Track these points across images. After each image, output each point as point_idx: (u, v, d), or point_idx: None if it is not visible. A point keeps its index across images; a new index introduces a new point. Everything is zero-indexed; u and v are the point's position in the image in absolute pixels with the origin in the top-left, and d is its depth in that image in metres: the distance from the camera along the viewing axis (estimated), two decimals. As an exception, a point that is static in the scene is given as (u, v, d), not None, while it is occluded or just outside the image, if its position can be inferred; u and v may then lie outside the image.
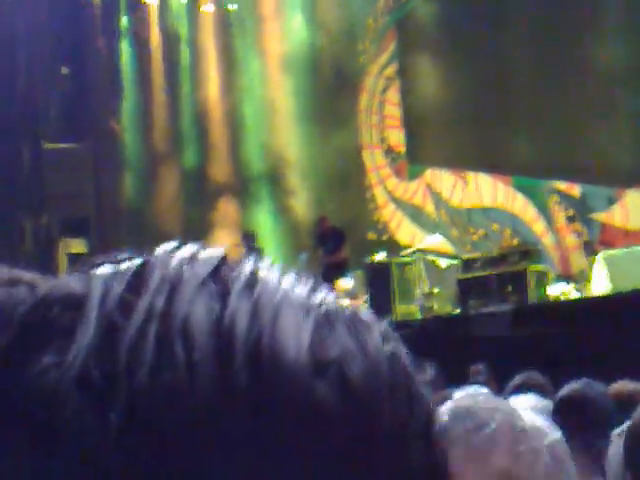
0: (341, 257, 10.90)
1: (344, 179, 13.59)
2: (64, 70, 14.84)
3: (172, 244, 0.40)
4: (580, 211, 11.35)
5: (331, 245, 10.75)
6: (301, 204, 13.89)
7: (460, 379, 5.99)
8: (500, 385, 5.07)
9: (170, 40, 15.15)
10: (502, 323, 8.43)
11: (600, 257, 9.60)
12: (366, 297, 10.72)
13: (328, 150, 13.66)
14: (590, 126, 11.16)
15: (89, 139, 14.68)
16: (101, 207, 14.53)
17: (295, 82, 14.25)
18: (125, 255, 0.39)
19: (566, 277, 10.46)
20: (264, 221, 14.05)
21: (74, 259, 13.84)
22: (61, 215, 13.94)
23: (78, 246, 13.95)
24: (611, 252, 9.75)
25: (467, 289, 9.60)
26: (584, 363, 6.61)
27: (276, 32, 14.56)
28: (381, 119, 14.09)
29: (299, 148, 14.12)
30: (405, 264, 10.60)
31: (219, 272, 0.38)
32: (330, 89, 14.06)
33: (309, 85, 14.16)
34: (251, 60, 14.78)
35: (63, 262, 13.79)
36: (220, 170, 14.68)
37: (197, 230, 14.43)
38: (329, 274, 9.98)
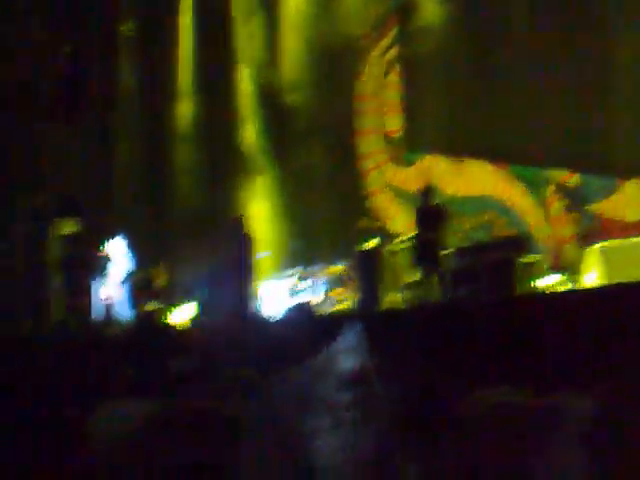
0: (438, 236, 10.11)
1: (339, 164, 13.55)
2: (65, 50, 14.76)
3: None
4: (577, 201, 11.23)
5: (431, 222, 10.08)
6: (293, 190, 13.85)
7: (446, 368, 5.88)
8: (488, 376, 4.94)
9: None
10: (491, 313, 8.31)
11: (595, 249, 9.51)
12: (356, 284, 10.65)
13: (324, 134, 13.63)
14: (590, 115, 11.03)
15: (84, 119, 14.64)
16: (94, 188, 14.48)
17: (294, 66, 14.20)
18: None
19: (559, 268, 10.36)
20: (256, 206, 14.00)
21: (66, 239, 13.82)
22: (54, 195, 13.91)
23: (70, 226, 13.91)
24: (607, 244, 9.66)
25: (458, 278, 9.50)
26: (574, 355, 6.50)
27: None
28: (380, 104, 13.96)
29: (295, 127, 14.08)
30: (396, 252, 10.50)
31: None
32: (330, 74, 13.96)
33: (309, 70, 14.08)
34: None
35: (55, 242, 13.77)
36: (219, 148, 14.69)
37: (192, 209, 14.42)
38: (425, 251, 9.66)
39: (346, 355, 1.60)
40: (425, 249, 9.75)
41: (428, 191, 10.30)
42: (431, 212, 9.99)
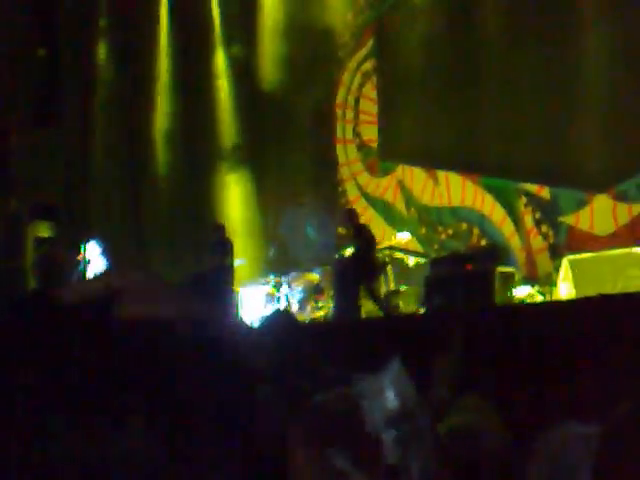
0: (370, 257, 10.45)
1: (316, 173, 13.66)
2: (40, 52, 14.69)
3: None
4: (548, 214, 11.35)
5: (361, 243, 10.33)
6: (271, 197, 13.93)
7: (423, 378, 6.01)
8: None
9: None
10: (467, 323, 8.44)
11: (566, 261, 9.65)
12: (333, 293, 10.73)
13: (301, 143, 13.74)
14: (562, 129, 11.21)
15: (60, 125, 14.59)
16: (70, 193, 14.46)
17: (271, 76, 14.30)
18: None
19: (532, 280, 10.51)
20: (234, 212, 14.06)
21: (41, 243, 13.77)
22: (30, 200, 13.86)
23: (45, 230, 13.87)
24: (577, 256, 9.79)
25: (433, 288, 9.63)
26: (545, 366, 6.65)
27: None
28: (356, 114, 14.08)
29: (273, 139, 14.18)
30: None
31: None
32: (306, 83, 14.07)
33: (284, 80, 14.18)
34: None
35: (30, 245, 13.72)
36: (192, 158, 14.72)
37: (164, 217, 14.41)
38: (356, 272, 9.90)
39: (389, 390, 1.65)
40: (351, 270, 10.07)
41: (348, 214, 10.73)
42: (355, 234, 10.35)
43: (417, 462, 1.65)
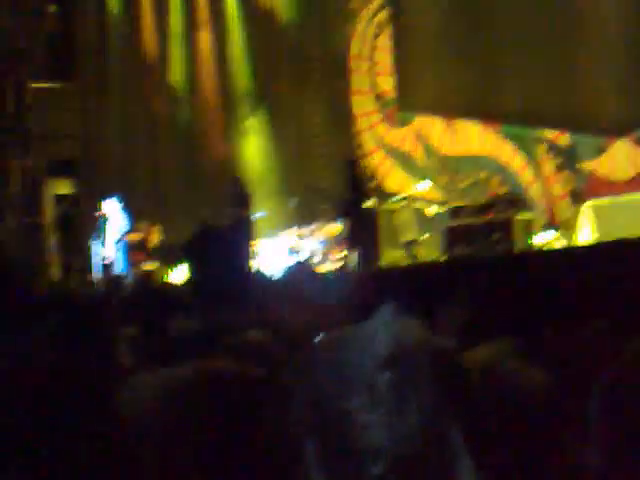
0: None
1: (334, 124, 13.60)
2: (51, 8, 14.62)
3: None
4: (568, 160, 11.31)
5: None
6: (290, 148, 13.89)
7: (443, 326, 6.02)
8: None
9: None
10: (488, 271, 8.46)
11: (587, 206, 9.64)
12: (353, 243, 10.75)
13: (318, 94, 13.67)
14: (581, 74, 11.09)
15: (76, 78, 14.53)
16: (88, 148, 14.42)
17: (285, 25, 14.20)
18: None
19: (552, 226, 10.49)
20: (253, 163, 14.03)
21: (60, 200, 13.81)
22: (47, 156, 13.84)
23: (64, 187, 13.90)
24: (598, 202, 9.77)
25: (454, 237, 9.63)
26: (565, 311, 6.64)
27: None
28: (372, 65, 13.97)
29: (289, 90, 14.11)
30: (393, 211, 10.62)
31: None
32: (320, 35, 13.97)
33: (298, 29, 14.07)
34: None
35: (50, 203, 13.76)
36: (208, 112, 14.65)
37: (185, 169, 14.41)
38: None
39: (383, 333, 1.65)
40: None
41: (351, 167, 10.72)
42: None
43: (412, 404, 1.64)
